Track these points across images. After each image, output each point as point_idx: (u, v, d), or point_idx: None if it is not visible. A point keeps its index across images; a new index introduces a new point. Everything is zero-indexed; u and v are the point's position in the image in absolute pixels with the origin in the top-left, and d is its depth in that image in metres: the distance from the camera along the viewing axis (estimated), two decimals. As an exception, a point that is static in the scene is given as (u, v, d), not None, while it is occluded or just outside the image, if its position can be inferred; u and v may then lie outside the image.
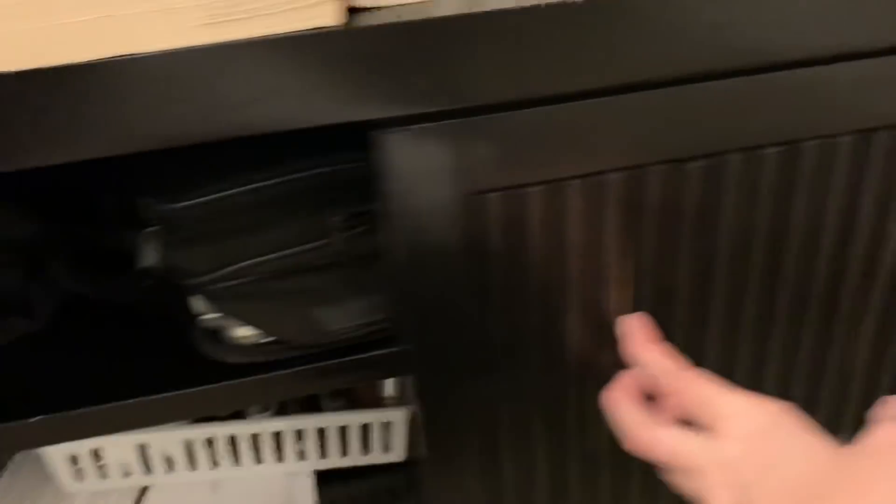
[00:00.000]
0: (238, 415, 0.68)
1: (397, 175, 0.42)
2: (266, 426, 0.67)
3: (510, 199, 0.45)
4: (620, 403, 0.46)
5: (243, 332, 0.51)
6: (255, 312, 0.49)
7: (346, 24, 0.38)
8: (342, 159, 0.47)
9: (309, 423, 0.67)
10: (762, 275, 0.52)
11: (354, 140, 0.44)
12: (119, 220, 0.51)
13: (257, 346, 0.51)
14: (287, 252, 0.47)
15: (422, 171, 0.43)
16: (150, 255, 0.46)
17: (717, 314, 0.53)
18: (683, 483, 0.43)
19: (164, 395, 0.50)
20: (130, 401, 0.50)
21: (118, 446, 0.65)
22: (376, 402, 0.73)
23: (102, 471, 0.67)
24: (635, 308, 0.50)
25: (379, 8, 0.40)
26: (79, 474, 0.67)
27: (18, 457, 0.72)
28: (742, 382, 0.43)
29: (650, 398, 0.47)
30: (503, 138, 0.43)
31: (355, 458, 0.71)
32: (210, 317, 0.51)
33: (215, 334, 0.51)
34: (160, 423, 0.52)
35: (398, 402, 0.71)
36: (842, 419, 0.60)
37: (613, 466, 0.57)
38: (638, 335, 0.48)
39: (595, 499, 0.59)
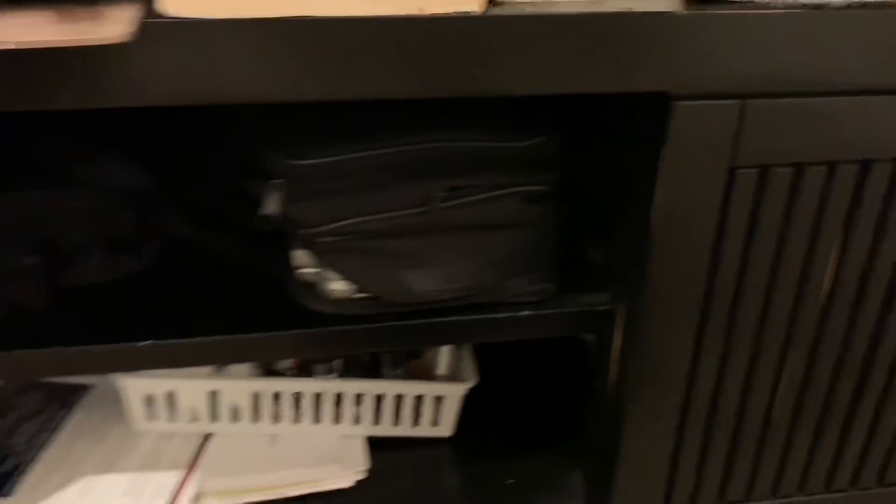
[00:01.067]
0: (305, 374, 0.73)
1: (678, 141, 0.48)
2: (329, 386, 0.71)
3: (775, 177, 0.50)
4: None
5: (338, 287, 0.56)
6: (352, 267, 0.54)
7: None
8: (449, 137, 0.52)
9: (368, 387, 0.72)
10: None
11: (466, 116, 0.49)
12: (234, 175, 0.56)
13: (350, 300, 0.56)
14: (388, 215, 0.52)
15: (699, 141, 0.48)
16: (271, 204, 0.51)
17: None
18: None
19: (261, 334, 0.55)
20: (229, 336, 0.55)
21: (190, 391, 0.70)
22: (430, 378, 0.77)
23: (173, 414, 0.71)
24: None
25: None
26: (151, 415, 0.71)
27: (91, 394, 0.77)
28: None
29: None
30: (778, 121, 0.48)
31: (405, 429, 0.75)
32: (309, 270, 0.56)
33: (312, 287, 0.56)
34: (254, 359, 0.56)
35: (450, 380, 0.76)
36: None
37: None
38: None
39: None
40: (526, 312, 0.58)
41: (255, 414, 0.72)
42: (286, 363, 0.73)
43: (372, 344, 0.58)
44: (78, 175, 0.59)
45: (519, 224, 0.55)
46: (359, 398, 0.73)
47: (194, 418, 0.72)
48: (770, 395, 0.59)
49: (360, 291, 0.55)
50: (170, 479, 0.68)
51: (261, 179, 0.52)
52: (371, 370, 0.75)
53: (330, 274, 0.55)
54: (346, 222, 0.52)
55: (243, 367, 0.72)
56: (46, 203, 0.57)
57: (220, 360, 0.56)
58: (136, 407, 0.71)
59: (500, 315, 0.57)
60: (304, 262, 0.56)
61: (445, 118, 0.52)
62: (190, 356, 0.55)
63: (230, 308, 0.57)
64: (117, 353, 0.53)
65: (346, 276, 0.54)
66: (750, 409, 0.59)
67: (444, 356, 0.76)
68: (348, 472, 0.71)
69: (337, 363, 0.74)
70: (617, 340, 0.59)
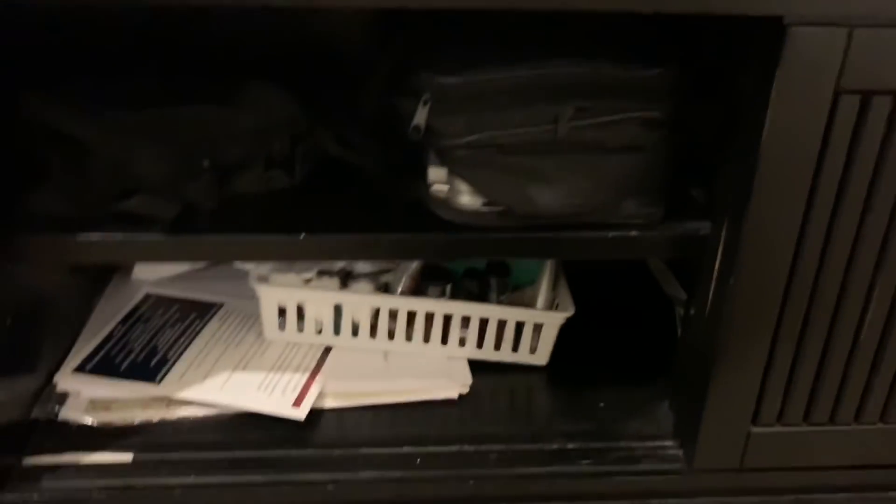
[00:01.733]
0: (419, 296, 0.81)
1: (789, 66, 0.53)
2: (440, 307, 0.79)
3: (875, 104, 0.55)
4: None
5: (467, 200, 0.63)
6: (483, 180, 0.61)
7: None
8: (579, 63, 0.59)
9: (475, 310, 0.79)
10: None
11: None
12: (384, 95, 0.64)
13: (477, 212, 0.63)
14: (520, 131, 0.59)
15: (808, 66, 0.53)
16: (420, 117, 0.58)
17: None
18: None
19: (398, 234, 0.63)
20: (370, 234, 0.63)
21: (317, 303, 0.78)
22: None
23: (301, 324, 0.80)
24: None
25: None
26: (282, 324, 0.80)
27: (224, 310, 0.86)
28: None
29: None
30: (882, 51, 0.53)
31: (505, 355, 0.82)
32: (442, 186, 0.64)
33: (445, 201, 0.64)
34: (392, 256, 0.64)
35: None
36: None
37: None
38: None
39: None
40: (634, 233, 0.64)
41: (373, 329, 0.80)
42: (403, 285, 0.80)
43: (495, 251, 0.65)
44: (243, 99, 0.67)
45: (635, 148, 0.61)
46: (465, 321, 0.80)
47: (319, 330, 0.80)
48: (859, 319, 0.63)
49: (488, 204, 0.62)
50: (297, 379, 0.76)
51: (410, 97, 0.60)
52: (478, 298, 0.82)
53: (462, 187, 0.62)
54: (482, 135, 0.59)
55: (365, 286, 0.80)
56: (217, 119, 0.66)
57: (361, 254, 0.63)
58: (269, 316, 0.79)
59: (611, 234, 0.64)
60: (438, 178, 0.64)
61: (575, 47, 0.58)
62: (336, 249, 0.63)
63: (372, 216, 0.65)
64: (278, 243, 0.62)
65: (477, 188, 0.62)
66: (838, 332, 0.64)
67: (544, 289, 0.83)
68: (455, 385, 0.78)
69: (448, 288, 0.81)
70: (714, 263, 0.65)
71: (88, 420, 0.71)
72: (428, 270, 0.82)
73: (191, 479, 0.67)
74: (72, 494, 0.66)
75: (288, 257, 0.63)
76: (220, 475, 0.67)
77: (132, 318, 0.85)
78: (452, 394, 0.78)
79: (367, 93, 0.66)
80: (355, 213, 0.65)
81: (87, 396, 0.74)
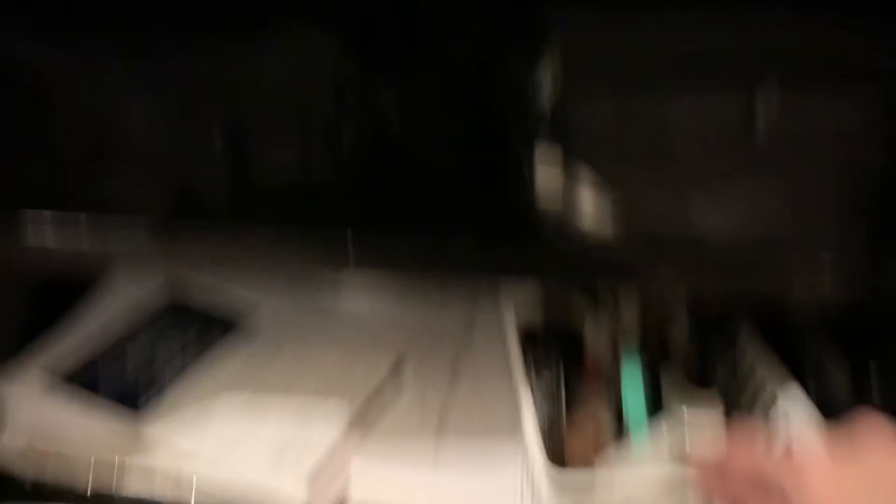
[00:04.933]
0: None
1: None
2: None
3: None
4: None
5: (592, 223, 0.42)
6: (625, 192, 0.41)
7: None
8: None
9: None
10: None
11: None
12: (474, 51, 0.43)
13: (605, 241, 0.42)
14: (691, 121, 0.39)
15: None
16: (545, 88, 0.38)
17: None
18: None
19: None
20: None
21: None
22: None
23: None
24: None
25: None
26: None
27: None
28: None
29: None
30: None
31: None
32: (555, 193, 0.43)
33: (554, 217, 0.43)
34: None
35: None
36: None
37: None
38: None
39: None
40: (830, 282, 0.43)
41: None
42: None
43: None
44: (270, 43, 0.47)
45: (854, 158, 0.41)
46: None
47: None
48: None
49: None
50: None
51: (520, 54, 0.39)
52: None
53: (587, 203, 0.42)
54: (635, 123, 0.39)
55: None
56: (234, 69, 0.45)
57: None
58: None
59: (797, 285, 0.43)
60: (552, 186, 0.43)
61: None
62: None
63: (441, 218, 0.44)
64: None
65: (616, 199, 0.41)
66: None
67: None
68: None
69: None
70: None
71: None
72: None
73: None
74: None
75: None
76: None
77: (139, 327, 0.65)
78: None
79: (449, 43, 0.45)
80: (415, 211, 0.45)
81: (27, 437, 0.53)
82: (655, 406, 0.58)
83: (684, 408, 0.57)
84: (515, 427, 0.52)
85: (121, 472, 0.52)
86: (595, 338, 0.66)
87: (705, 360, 0.57)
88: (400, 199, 0.46)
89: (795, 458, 0.37)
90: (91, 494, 0.51)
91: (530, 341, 0.62)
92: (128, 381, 0.59)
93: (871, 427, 0.37)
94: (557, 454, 0.54)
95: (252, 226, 0.42)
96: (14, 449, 0.53)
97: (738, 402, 0.63)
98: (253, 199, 0.44)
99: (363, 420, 0.57)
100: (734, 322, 0.64)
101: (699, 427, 0.56)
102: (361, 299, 0.72)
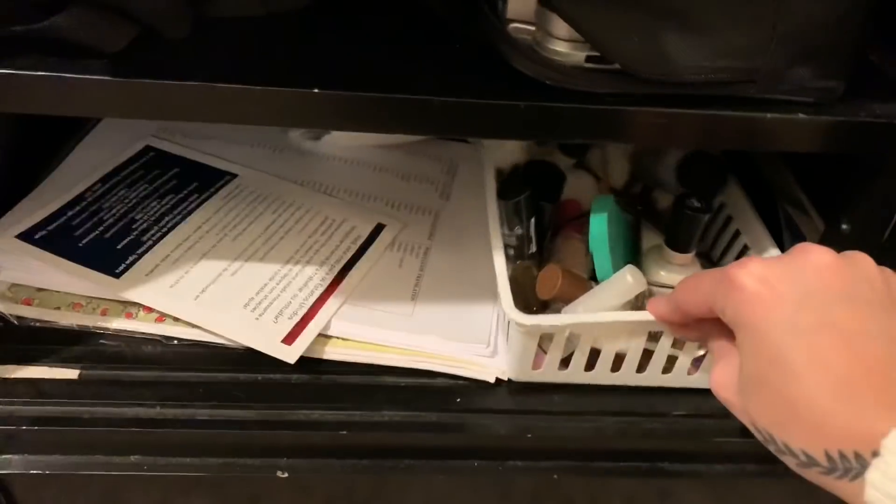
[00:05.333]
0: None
1: None
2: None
3: None
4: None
5: (564, 49, 0.42)
6: (593, 18, 0.40)
7: None
8: None
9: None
10: None
11: None
12: None
13: (580, 68, 0.42)
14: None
15: None
16: None
17: None
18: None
19: (457, 99, 0.42)
20: (418, 97, 0.41)
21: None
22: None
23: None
24: None
25: None
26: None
27: (243, 177, 0.66)
28: None
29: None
30: None
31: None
32: (527, 25, 0.42)
33: (530, 49, 0.42)
34: (442, 131, 0.44)
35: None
36: None
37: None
38: None
39: None
40: (801, 116, 0.44)
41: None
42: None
43: (596, 133, 0.44)
44: None
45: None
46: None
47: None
48: None
49: (595, 59, 0.41)
50: (298, 303, 0.58)
51: None
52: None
53: (559, 28, 0.41)
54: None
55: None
56: None
57: (395, 125, 0.43)
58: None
59: (770, 115, 0.43)
60: (522, 12, 0.42)
61: None
62: (359, 115, 0.42)
63: (415, 65, 0.44)
64: (274, 99, 0.41)
65: (584, 30, 0.40)
66: None
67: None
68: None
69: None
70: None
71: (3, 310, 0.54)
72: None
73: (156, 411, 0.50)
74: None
75: (288, 122, 0.42)
76: (194, 407, 0.51)
77: (117, 177, 0.65)
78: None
79: None
80: (391, 57, 0.45)
81: (7, 278, 0.55)
82: (633, 257, 0.60)
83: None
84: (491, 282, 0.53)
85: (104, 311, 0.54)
86: (576, 183, 0.67)
87: (679, 223, 0.57)
88: (368, 43, 0.45)
89: (731, 274, 0.38)
90: (78, 332, 0.54)
91: (511, 181, 0.63)
92: (105, 238, 0.59)
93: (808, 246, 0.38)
94: (529, 299, 0.56)
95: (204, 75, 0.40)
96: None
97: (714, 258, 0.65)
98: (208, 44, 0.43)
99: (341, 283, 0.58)
100: (715, 178, 0.65)
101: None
102: (339, 160, 0.72)
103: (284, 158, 0.71)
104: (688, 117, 0.43)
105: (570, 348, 0.53)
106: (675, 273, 0.58)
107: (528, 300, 0.56)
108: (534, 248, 0.59)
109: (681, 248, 0.57)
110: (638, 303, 0.54)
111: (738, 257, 0.61)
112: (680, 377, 0.55)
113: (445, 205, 0.69)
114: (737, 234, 0.62)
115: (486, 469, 0.53)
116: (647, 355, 0.54)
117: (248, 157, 0.70)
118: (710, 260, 0.65)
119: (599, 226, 0.55)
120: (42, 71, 0.39)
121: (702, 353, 0.54)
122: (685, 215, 0.55)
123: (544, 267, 0.56)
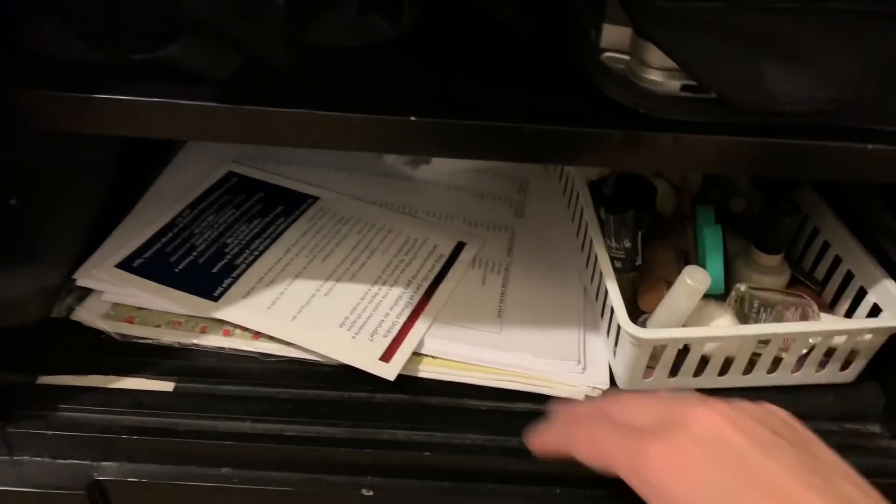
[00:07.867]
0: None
1: None
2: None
3: None
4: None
5: (659, 79, 0.42)
6: (691, 48, 0.40)
7: None
8: None
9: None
10: None
11: None
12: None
13: (675, 98, 0.42)
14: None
15: None
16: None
17: None
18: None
19: (553, 127, 0.42)
20: (515, 125, 0.42)
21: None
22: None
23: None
24: None
25: None
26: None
27: (325, 199, 0.68)
28: None
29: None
30: None
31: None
32: (621, 54, 0.43)
33: (624, 79, 0.43)
34: (545, 160, 0.44)
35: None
36: None
37: None
38: None
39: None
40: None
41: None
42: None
43: (695, 162, 0.44)
44: None
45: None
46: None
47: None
48: None
49: (691, 88, 0.42)
50: (391, 320, 0.59)
51: None
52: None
53: (653, 58, 0.41)
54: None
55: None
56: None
57: (489, 152, 0.43)
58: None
59: (871, 146, 0.42)
60: (617, 41, 0.43)
61: None
62: (461, 143, 0.43)
63: (508, 91, 0.45)
64: (373, 125, 0.42)
65: (681, 61, 0.40)
66: None
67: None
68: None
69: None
70: None
71: (106, 328, 0.56)
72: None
73: (247, 425, 0.52)
74: (96, 428, 0.51)
75: (386, 148, 0.43)
76: (282, 422, 0.52)
77: (204, 203, 0.67)
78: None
79: None
80: (481, 85, 0.45)
81: (109, 299, 0.58)
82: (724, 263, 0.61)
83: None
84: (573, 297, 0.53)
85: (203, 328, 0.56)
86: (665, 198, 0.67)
87: (770, 226, 0.58)
88: (458, 67, 0.46)
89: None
90: (175, 348, 0.56)
91: (616, 195, 0.63)
92: (200, 263, 0.60)
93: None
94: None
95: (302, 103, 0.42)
96: (98, 310, 0.57)
97: (803, 268, 0.64)
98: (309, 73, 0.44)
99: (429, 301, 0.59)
100: (798, 188, 0.64)
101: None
102: (412, 180, 0.73)
103: (360, 180, 0.72)
104: (785, 148, 0.43)
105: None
106: (765, 275, 0.60)
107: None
108: (640, 261, 0.60)
109: (772, 249, 0.59)
110: (741, 309, 0.56)
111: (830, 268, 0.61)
112: (784, 376, 0.56)
113: (520, 222, 0.70)
114: (826, 245, 0.63)
115: (569, 496, 0.52)
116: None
117: (327, 179, 0.71)
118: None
119: (714, 237, 0.58)
120: (158, 97, 0.42)
121: (805, 350, 0.55)
122: (776, 217, 0.58)
123: (645, 278, 0.58)
